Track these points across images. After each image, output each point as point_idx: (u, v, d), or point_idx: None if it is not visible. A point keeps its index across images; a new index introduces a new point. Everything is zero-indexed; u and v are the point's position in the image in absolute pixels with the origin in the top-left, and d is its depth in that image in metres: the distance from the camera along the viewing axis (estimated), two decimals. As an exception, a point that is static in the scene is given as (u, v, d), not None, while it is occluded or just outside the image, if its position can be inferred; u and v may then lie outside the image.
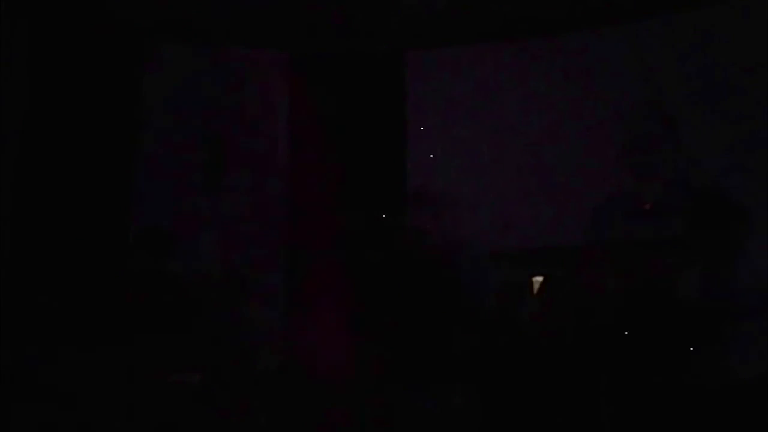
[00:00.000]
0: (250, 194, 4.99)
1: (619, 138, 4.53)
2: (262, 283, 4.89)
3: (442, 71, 5.02)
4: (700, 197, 4.21)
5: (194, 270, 4.81)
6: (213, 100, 4.97)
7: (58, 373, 4.26)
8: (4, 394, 4.03)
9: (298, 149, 5.02)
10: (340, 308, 4.53)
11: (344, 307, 4.53)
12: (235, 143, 5.00)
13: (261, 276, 4.92)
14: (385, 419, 4.19)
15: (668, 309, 3.90)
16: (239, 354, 4.62)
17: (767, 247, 3.95)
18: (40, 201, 4.51)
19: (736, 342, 3.89)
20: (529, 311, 4.31)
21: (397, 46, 5.02)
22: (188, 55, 4.96)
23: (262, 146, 5.02)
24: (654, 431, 3.65)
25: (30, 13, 4.52)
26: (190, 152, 4.95)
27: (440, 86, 5.01)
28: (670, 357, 3.78)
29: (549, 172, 4.79)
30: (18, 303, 4.32)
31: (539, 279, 4.56)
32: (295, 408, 4.37)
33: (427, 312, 4.61)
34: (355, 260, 4.74)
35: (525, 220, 4.77)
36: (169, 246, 4.61)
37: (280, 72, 5.05)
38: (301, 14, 4.71)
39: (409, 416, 4.16)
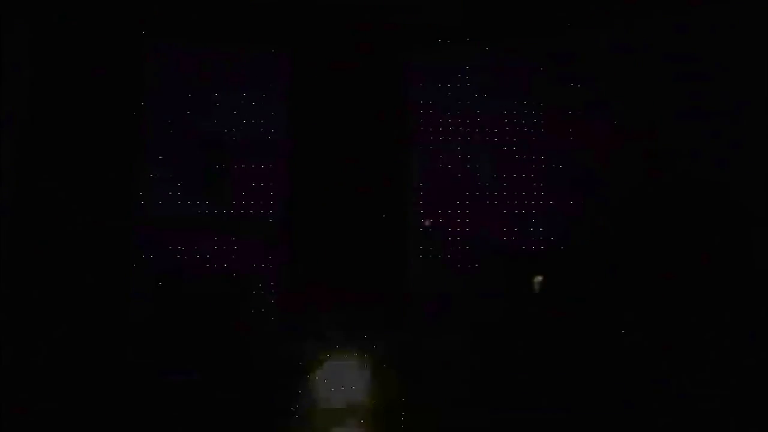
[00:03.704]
0: (251, 194, 4.99)
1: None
2: (261, 283, 4.89)
3: (443, 71, 5.04)
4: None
5: (195, 270, 4.82)
6: (213, 100, 4.98)
7: (57, 372, 4.26)
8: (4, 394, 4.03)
9: (298, 148, 5.02)
10: (339, 306, 4.56)
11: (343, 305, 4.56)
12: (236, 143, 5.00)
13: (261, 276, 4.91)
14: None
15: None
16: (239, 354, 4.63)
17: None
18: (40, 199, 4.50)
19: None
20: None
21: (398, 47, 5.03)
22: (188, 55, 4.97)
23: (262, 146, 5.03)
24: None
25: (30, 14, 4.52)
26: (191, 152, 4.95)
27: (440, 86, 5.02)
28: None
29: (550, 172, 4.82)
30: (18, 303, 4.32)
31: (539, 278, 4.60)
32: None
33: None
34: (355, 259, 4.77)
35: (526, 220, 4.80)
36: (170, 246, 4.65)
37: (281, 72, 5.06)
38: (300, 14, 4.74)
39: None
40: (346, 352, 4.52)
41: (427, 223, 4.90)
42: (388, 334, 4.60)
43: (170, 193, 4.90)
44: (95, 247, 4.56)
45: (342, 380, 4.46)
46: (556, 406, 4.21)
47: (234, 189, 4.99)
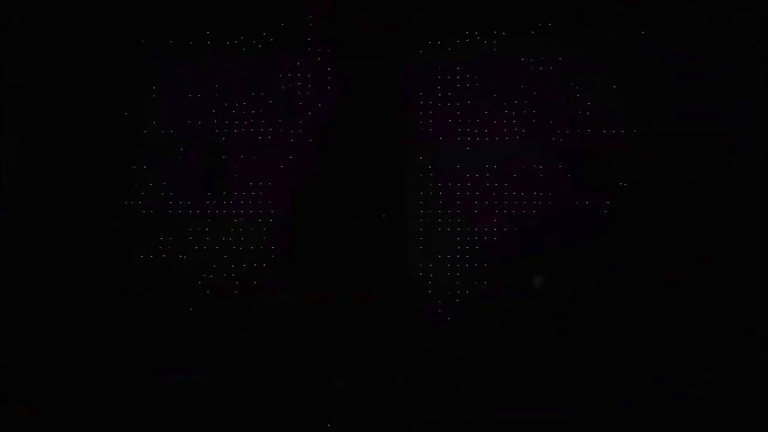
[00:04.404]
0: (251, 194, 5.01)
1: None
2: (262, 283, 4.90)
3: (443, 71, 5.05)
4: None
5: (195, 269, 4.83)
6: (213, 101, 4.99)
7: (57, 372, 4.26)
8: (4, 393, 4.04)
9: (298, 148, 5.04)
10: (339, 306, 4.56)
11: (343, 305, 4.56)
12: (236, 143, 5.02)
13: (261, 276, 4.92)
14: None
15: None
16: (238, 354, 4.64)
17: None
18: (40, 199, 4.52)
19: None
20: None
21: (398, 47, 5.05)
22: (188, 55, 4.99)
23: (262, 146, 5.04)
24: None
25: (30, 14, 4.54)
26: (191, 152, 4.97)
27: (440, 86, 5.03)
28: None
29: (551, 171, 4.83)
30: (18, 303, 4.33)
31: (540, 278, 4.61)
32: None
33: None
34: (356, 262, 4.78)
35: (527, 220, 4.81)
36: (170, 245, 4.65)
37: (281, 72, 5.08)
38: (300, 14, 4.76)
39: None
40: (346, 352, 4.52)
41: (428, 223, 4.92)
42: (388, 333, 4.61)
43: (171, 192, 4.93)
44: (95, 246, 4.57)
45: (342, 380, 4.47)
46: (557, 406, 4.22)
47: (234, 189, 5.01)
